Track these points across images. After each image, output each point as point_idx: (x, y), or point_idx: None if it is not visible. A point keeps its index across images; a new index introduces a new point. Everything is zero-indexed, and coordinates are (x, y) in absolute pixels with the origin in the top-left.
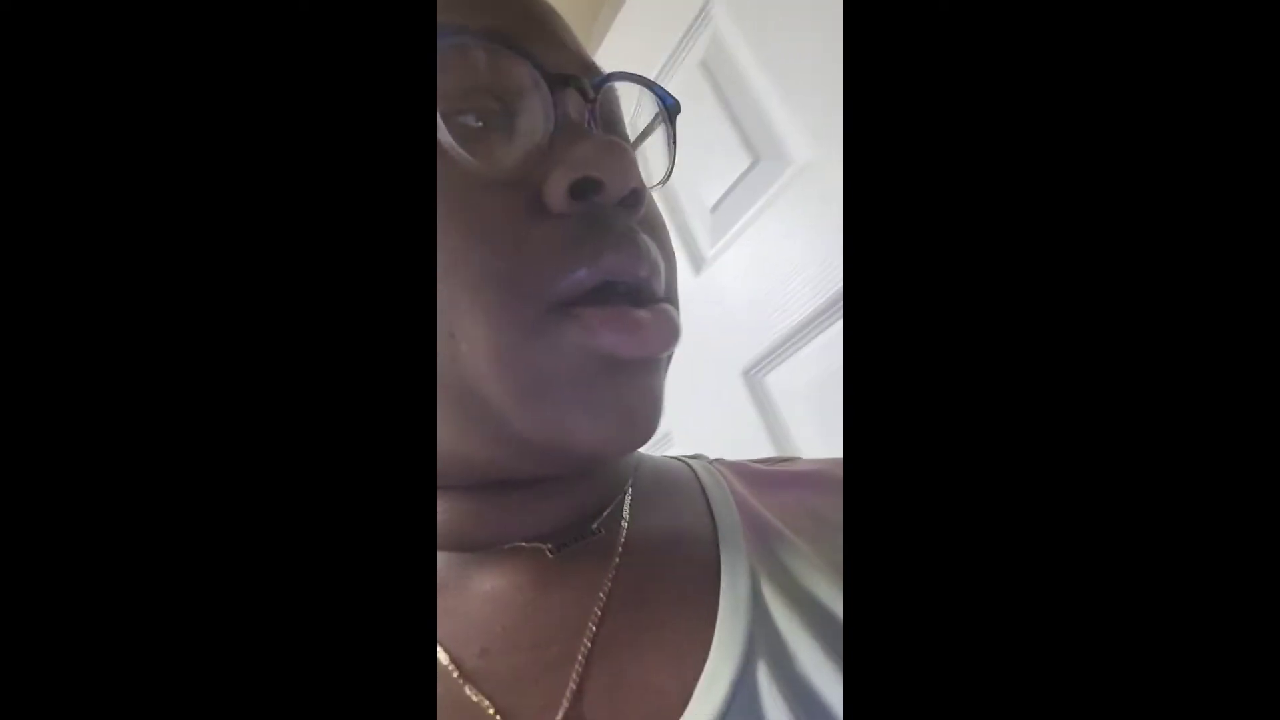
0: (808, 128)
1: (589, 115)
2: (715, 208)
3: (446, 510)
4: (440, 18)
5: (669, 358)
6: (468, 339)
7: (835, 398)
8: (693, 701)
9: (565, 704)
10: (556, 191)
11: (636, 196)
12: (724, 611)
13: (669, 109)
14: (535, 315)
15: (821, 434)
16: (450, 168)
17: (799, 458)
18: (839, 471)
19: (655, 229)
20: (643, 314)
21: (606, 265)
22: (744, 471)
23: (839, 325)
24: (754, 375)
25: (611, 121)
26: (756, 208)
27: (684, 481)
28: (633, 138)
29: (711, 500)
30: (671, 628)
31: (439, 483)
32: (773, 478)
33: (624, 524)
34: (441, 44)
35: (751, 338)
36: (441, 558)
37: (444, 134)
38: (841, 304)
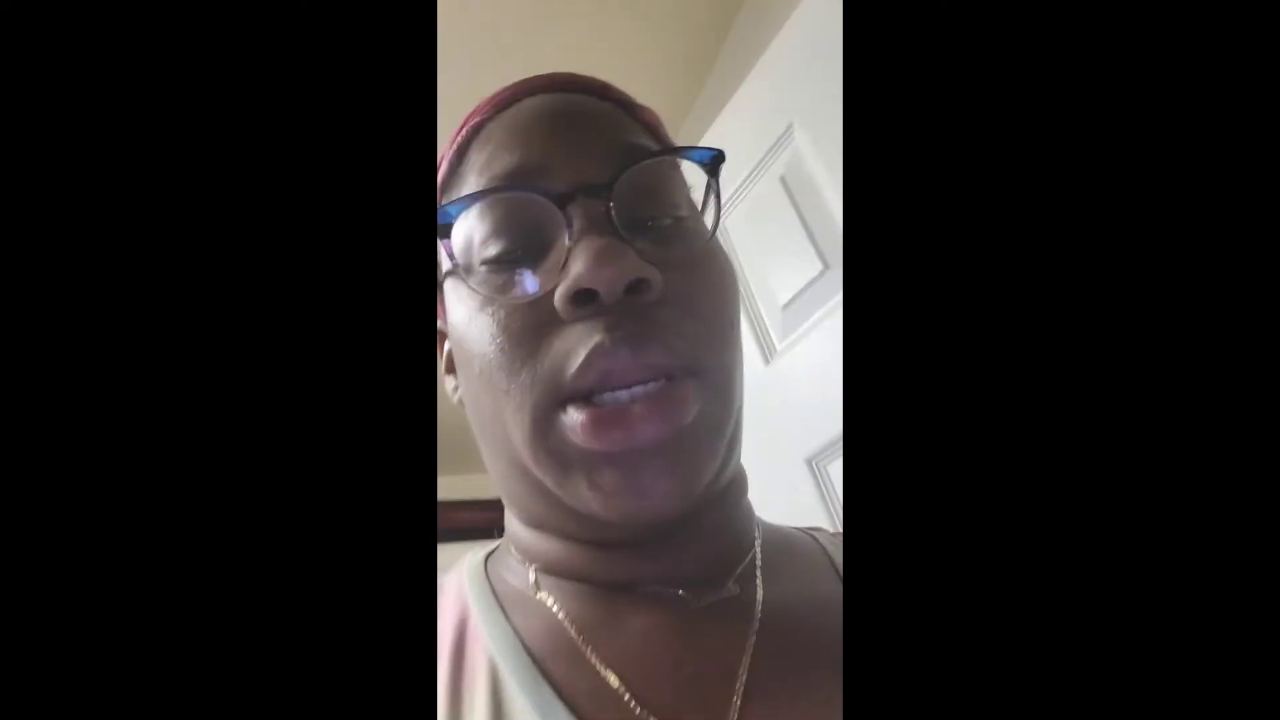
0: None
1: (607, 213)
2: (787, 306)
3: (577, 551)
4: (455, 190)
5: (715, 422)
6: (510, 428)
7: None
8: None
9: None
10: (562, 305)
11: (640, 287)
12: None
13: (708, 163)
14: (547, 412)
15: None
16: (484, 300)
17: None
18: None
19: (687, 303)
20: (635, 408)
21: (599, 367)
22: None
23: None
24: (817, 463)
25: (639, 208)
26: (824, 310)
27: (812, 554)
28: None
29: (837, 565)
30: (816, 689)
31: (559, 528)
32: None
33: (758, 586)
34: (459, 211)
35: (816, 426)
36: (589, 589)
37: (478, 281)
38: None
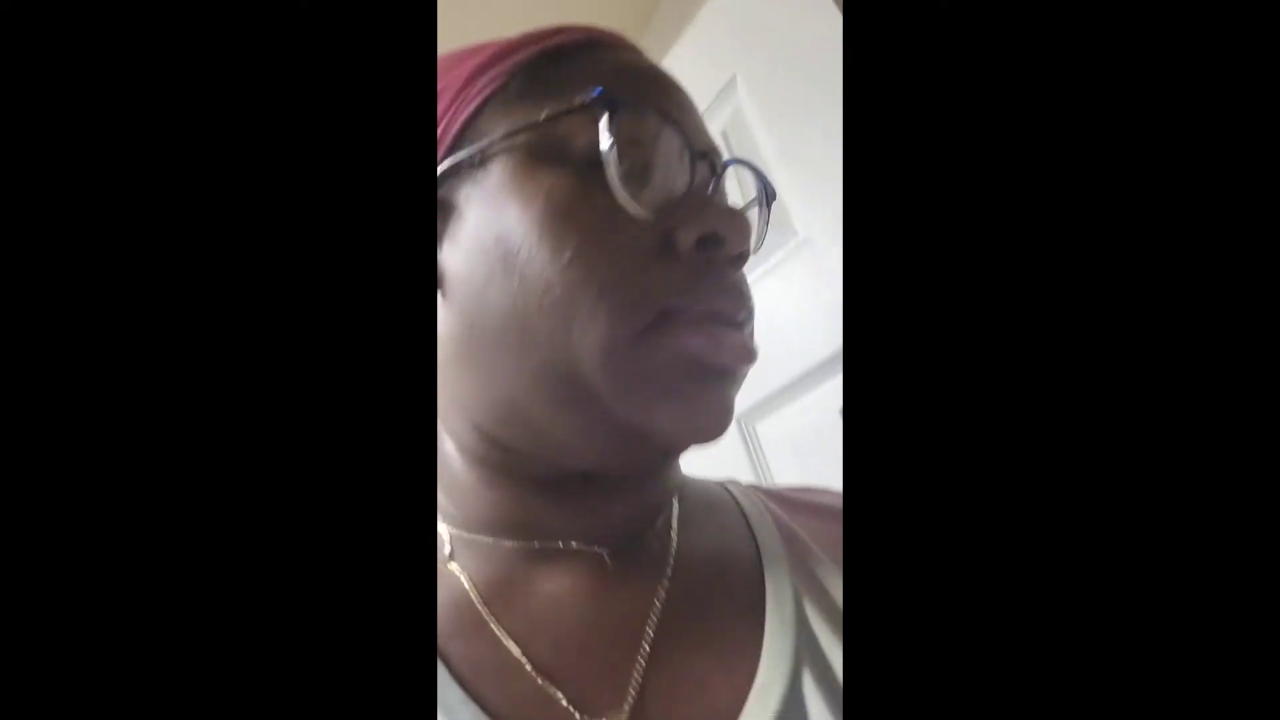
0: (811, 208)
1: (713, 185)
2: None
3: (517, 500)
4: (624, 90)
5: (741, 381)
6: (584, 331)
7: (818, 449)
8: (748, 706)
9: (630, 698)
10: (686, 239)
11: (744, 257)
12: (771, 625)
13: (768, 194)
14: (645, 324)
15: (802, 479)
16: (599, 196)
17: (828, 489)
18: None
19: (746, 282)
20: (731, 333)
21: (715, 304)
22: (777, 496)
23: (827, 385)
24: (745, 421)
25: (724, 193)
26: (761, 270)
27: (724, 503)
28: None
29: (752, 522)
30: (723, 638)
31: (520, 469)
32: (804, 505)
33: (673, 537)
34: (624, 110)
35: (746, 386)
36: (505, 550)
37: (611, 170)
38: (832, 365)
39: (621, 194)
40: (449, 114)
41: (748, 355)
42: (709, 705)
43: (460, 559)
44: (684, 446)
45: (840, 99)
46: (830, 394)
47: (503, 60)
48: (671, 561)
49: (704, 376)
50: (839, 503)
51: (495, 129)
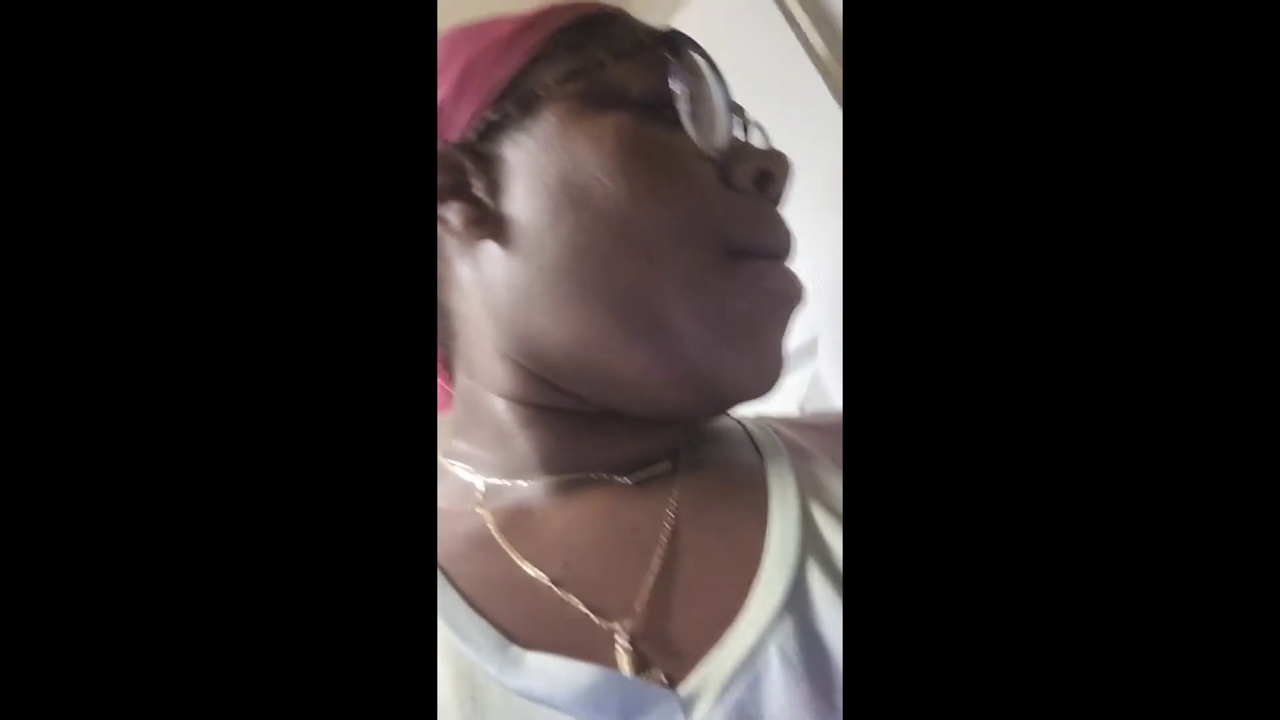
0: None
1: (745, 132)
2: None
3: (554, 438)
4: (684, 37)
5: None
6: (664, 263)
7: None
8: (755, 595)
9: (645, 599)
10: (745, 175)
11: (780, 196)
12: (774, 521)
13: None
14: (722, 257)
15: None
16: (664, 134)
17: (832, 412)
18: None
19: None
20: (790, 274)
21: (778, 238)
22: (781, 419)
23: (793, 377)
24: None
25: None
26: None
27: (730, 426)
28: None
29: (754, 435)
30: (731, 537)
31: (566, 408)
32: (806, 424)
33: (681, 455)
34: (684, 55)
35: None
36: (532, 485)
37: (682, 107)
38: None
39: (692, 130)
40: (490, 71)
41: (803, 293)
42: (719, 598)
43: (489, 497)
44: (745, 396)
45: (805, 117)
46: (794, 388)
47: (543, 21)
48: (683, 475)
49: (776, 315)
50: (840, 420)
51: (545, 79)
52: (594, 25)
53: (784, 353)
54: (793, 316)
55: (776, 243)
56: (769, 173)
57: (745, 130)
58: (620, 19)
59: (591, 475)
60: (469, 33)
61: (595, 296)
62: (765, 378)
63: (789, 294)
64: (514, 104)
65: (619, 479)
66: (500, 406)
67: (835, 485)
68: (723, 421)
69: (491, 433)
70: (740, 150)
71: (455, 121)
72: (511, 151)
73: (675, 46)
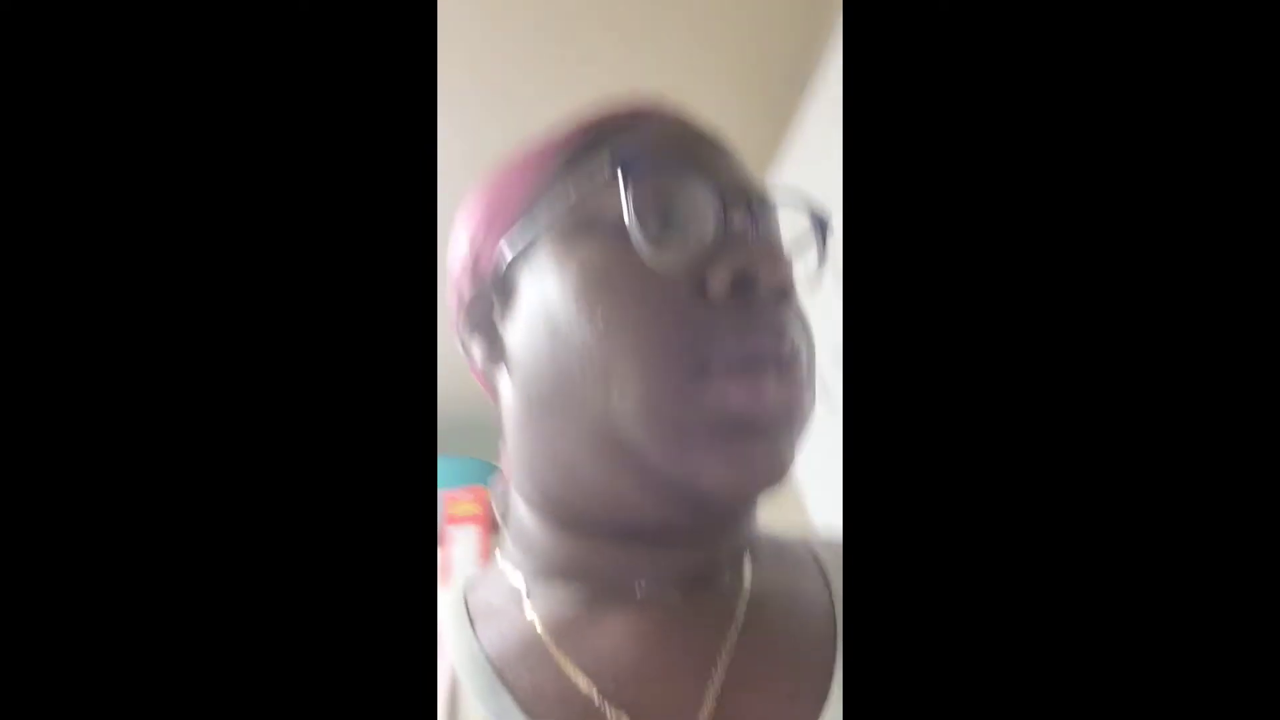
0: None
1: (751, 226)
2: None
3: (586, 550)
4: (651, 155)
5: (806, 417)
6: (621, 390)
7: None
8: None
9: (707, 709)
10: (719, 283)
11: (786, 292)
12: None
13: (821, 221)
14: (685, 378)
15: None
16: (632, 258)
17: None
18: None
19: (803, 322)
20: (772, 382)
21: (753, 342)
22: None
23: None
24: None
25: (770, 233)
26: None
27: (800, 553)
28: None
29: (825, 568)
30: (792, 679)
31: (587, 523)
32: None
33: (745, 580)
34: (643, 177)
35: None
36: (576, 591)
37: (634, 231)
38: None
39: (647, 252)
40: (505, 204)
41: (792, 408)
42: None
43: (534, 599)
44: (733, 501)
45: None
46: None
47: (550, 152)
48: (744, 603)
49: (746, 431)
50: None
51: (543, 215)
52: (595, 143)
53: (772, 461)
54: (784, 429)
55: (756, 349)
56: (746, 275)
57: (753, 222)
58: (622, 131)
59: (640, 587)
60: (501, 165)
61: (571, 425)
62: (748, 488)
63: (765, 414)
64: (522, 236)
65: (668, 594)
66: (529, 516)
67: None
68: (788, 540)
69: (525, 536)
70: (725, 253)
71: (485, 254)
72: (522, 283)
73: (632, 172)
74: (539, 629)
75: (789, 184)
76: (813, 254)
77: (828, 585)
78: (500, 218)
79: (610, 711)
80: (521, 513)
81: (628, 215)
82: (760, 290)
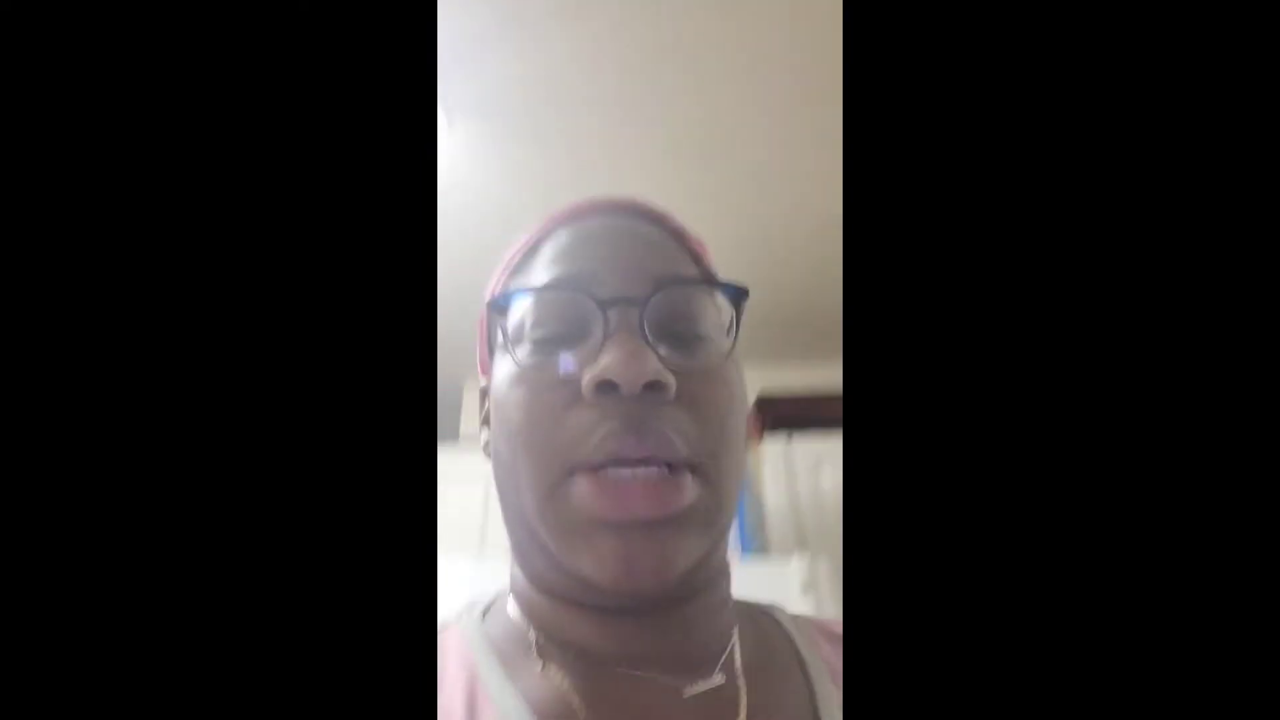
0: None
1: (640, 320)
2: None
3: (589, 623)
4: (521, 274)
5: (705, 514)
6: (521, 494)
7: None
8: None
9: None
10: (588, 388)
11: (655, 387)
12: None
13: (733, 296)
14: (558, 480)
15: None
16: (538, 365)
17: None
18: None
19: (695, 407)
20: (637, 487)
21: (609, 448)
22: (830, 636)
23: None
24: None
25: (669, 322)
26: None
27: (782, 647)
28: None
29: (810, 675)
30: None
31: (553, 595)
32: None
33: (740, 683)
34: (516, 298)
35: None
36: (584, 663)
37: (523, 354)
38: None
39: (528, 366)
40: (486, 310)
41: (656, 505)
42: None
43: (547, 657)
44: (625, 597)
45: None
46: None
47: (507, 262)
48: (743, 700)
49: (620, 530)
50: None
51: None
52: (527, 257)
53: (655, 558)
54: (666, 525)
55: (616, 451)
56: (606, 382)
57: (642, 315)
58: (549, 242)
59: (638, 675)
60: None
61: (506, 502)
62: (629, 584)
63: (627, 516)
64: (491, 342)
65: (670, 683)
66: (523, 578)
67: None
68: (769, 631)
69: (525, 597)
70: (598, 358)
71: (483, 354)
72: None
73: (502, 306)
74: (570, 693)
75: (706, 273)
76: (731, 338)
77: (803, 671)
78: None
79: None
80: (516, 572)
81: (501, 338)
82: (625, 390)
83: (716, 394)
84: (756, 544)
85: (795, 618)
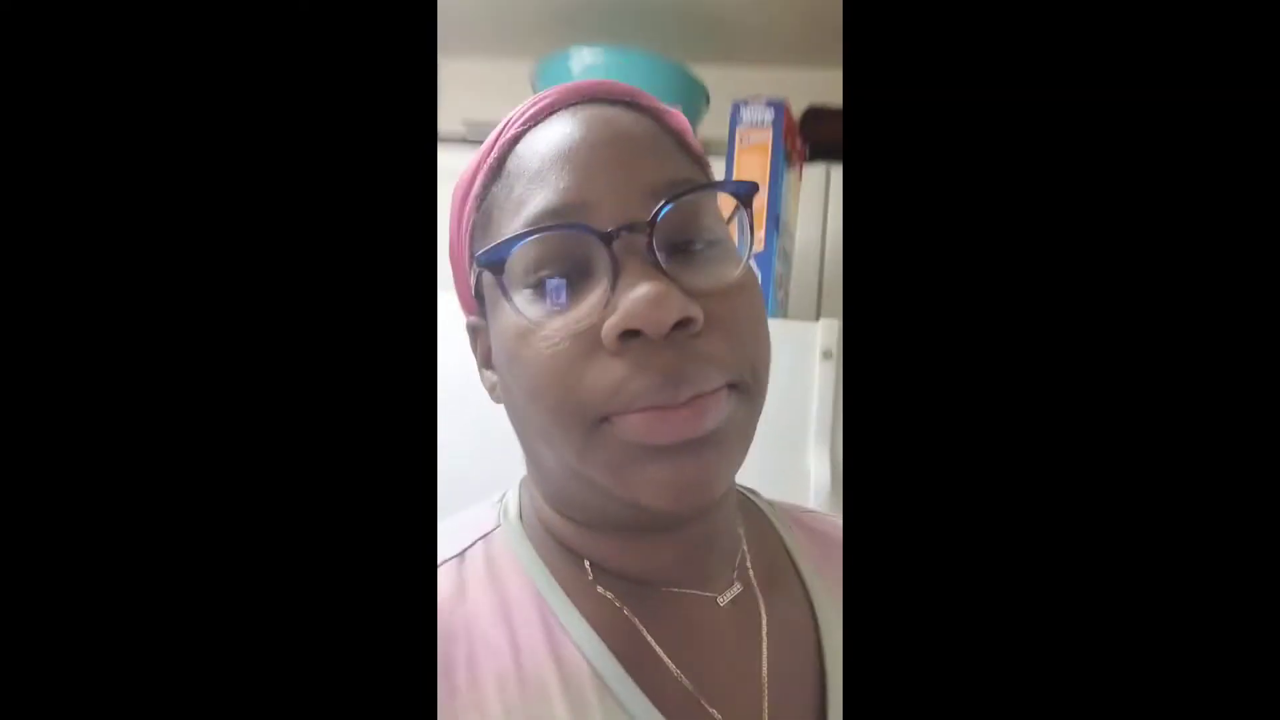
0: None
1: (651, 248)
2: None
3: (629, 547)
4: (497, 198)
5: (744, 425)
6: (558, 441)
7: None
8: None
9: (765, 706)
10: (609, 338)
11: (684, 325)
12: (828, 653)
13: (742, 195)
14: (593, 427)
15: None
16: (543, 314)
17: (827, 515)
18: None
19: (724, 329)
20: (676, 411)
21: (647, 398)
22: (803, 525)
23: None
24: None
25: (678, 234)
26: None
27: (773, 543)
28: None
29: (799, 566)
30: (798, 652)
31: (586, 522)
32: (823, 538)
33: (754, 584)
34: (510, 250)
35: None
36: (632, 586)
37: (524, 303)
38: None
39: (535, 319)
40: (458, 238)
41: (700, 425)
42: (806, 715)
43: (601, 585)
44: (675, 516)
45: None
46: None
47: (470, 184)
48: (762, 608)
49: (666, 455)
50: (832, 530)
51: (477, 250)
52: (495, 178)
53: (699, 477)
54: (708, 444)
55: (655, 400)
56: (631, 330)
57: (649, 242)
58: (517, 159)
59: (681, 591)
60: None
61: (535, 447)
62: (681, 503)
63: (672, 439)
64: (473, 275)
65: (707, 596)
66: (548, 509)
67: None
68: (763, 525)
69: (551, 525)
70: (608, 304)
71: (462, 250)
72: (487, 303)
73: (497, 261)
74: (632, 619)
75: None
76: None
77: (787, 554)
78: (462, 227)
79: (711, 710)
80: (547, 506)
81: (509, 303)
82: (651, 335)
83: (742, 307)
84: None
85: (772, 505)
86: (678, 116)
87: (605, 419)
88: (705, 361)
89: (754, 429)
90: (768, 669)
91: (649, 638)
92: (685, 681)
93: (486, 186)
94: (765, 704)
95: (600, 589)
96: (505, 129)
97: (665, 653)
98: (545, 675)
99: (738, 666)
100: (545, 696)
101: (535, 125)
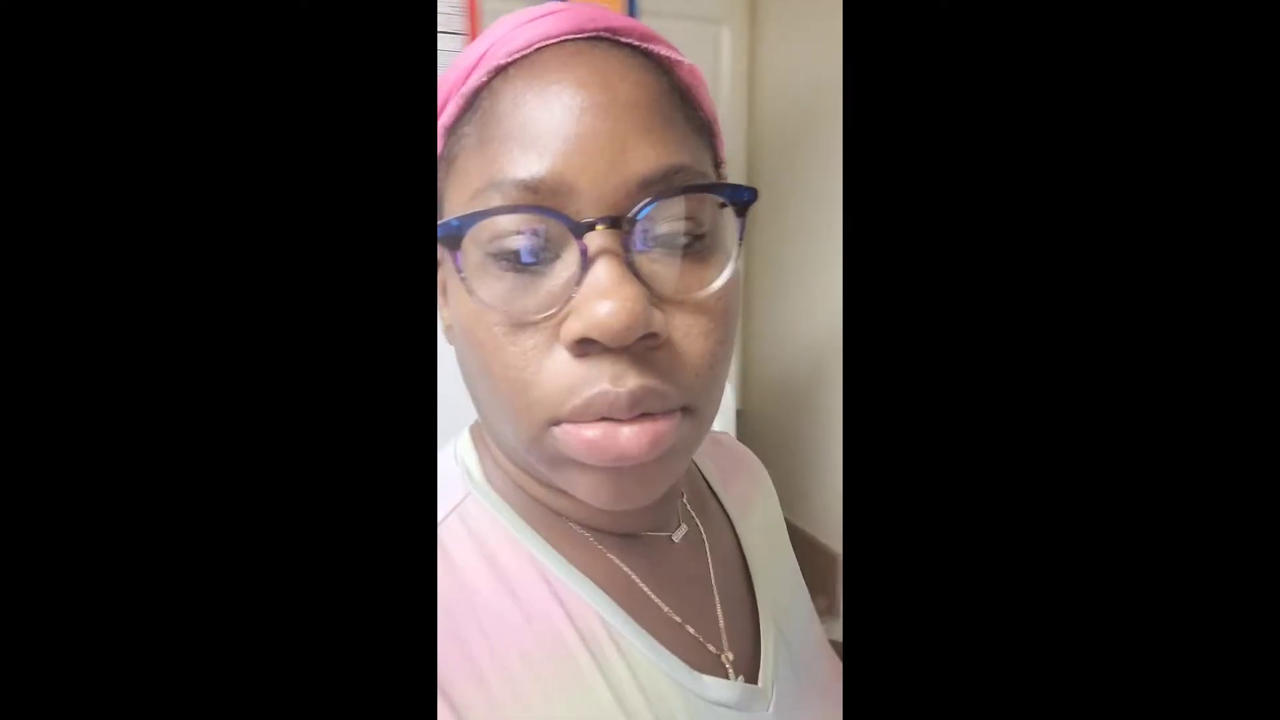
0: None
1: (624, 245)
2: None
3: (588, 505)
4: (467, 137)
5: (690, 444)
6: (502, 430)
7: None
8: (764, 615)
9: (723, 630)
10: (567, 339)
11: (646, 340)
12: (755, 568)
13: (739, 203)
14: (541, 429)
15: None
16: (487, 308)
17: (725, 434)
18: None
19: (689, 344)
20: (624, 431)
21: (597, 409)
22: (712, 452)
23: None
24: None
25: (660, 226)
26: None
27: (693, 468)
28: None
29: (715, 489)
30: (732, 571)
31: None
32: (717, 450)
33: (696, 520)
34: (474, 223)
35: None
36: (601, 537)
37: (481, 282)
38: None
39: (493, 302)
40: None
41: (645, 452)
42: (746, 622)
43: (586, 534)
44: (620, 511)
45: None
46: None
47: (456, 84)
48: (705, 541)
49: (601, 471)
50: (740, 454)
51: (450, 198)
52: (467, 120)
53: (643, 484)
54: (655, 462)
55: (606, 413)
56: (589, 340)
57: (629, 237)
58: (491, 110)
59: (645, 534)
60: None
61: (491, 417)
62: (622, 505)
63: (617, 459)
64: (441, 230)
65: (663, 536)
66: (502, 455)
67: (774, 532)
68: (696, 479)
69: (508, 473)
70: (579, 301)
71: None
72: (449, 271)
73: (456, 234)
74: (620, 566)
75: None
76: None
77: (720, 502)
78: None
79: (704, 642)
80: (505, 463)
81: (465, 287)
82: (610, 346)
83: (717, 318)
84: None
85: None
86: (691, 70)
87: (556, 423)
88: (665, 377)
89: (700, 442)
90: (718, 593)
91: (638, 581)
92: (676, 617)
93: (457, 119)
94: (721, 624)
95: (592, 540)
96: (484, 58)
97: (657, 592)
98: (564, 636)
99: (698, 595)
100: (569, 655)
101: (522, 56)
